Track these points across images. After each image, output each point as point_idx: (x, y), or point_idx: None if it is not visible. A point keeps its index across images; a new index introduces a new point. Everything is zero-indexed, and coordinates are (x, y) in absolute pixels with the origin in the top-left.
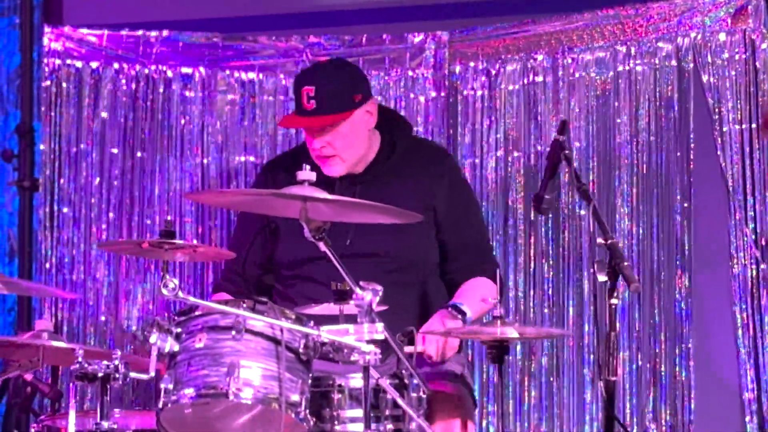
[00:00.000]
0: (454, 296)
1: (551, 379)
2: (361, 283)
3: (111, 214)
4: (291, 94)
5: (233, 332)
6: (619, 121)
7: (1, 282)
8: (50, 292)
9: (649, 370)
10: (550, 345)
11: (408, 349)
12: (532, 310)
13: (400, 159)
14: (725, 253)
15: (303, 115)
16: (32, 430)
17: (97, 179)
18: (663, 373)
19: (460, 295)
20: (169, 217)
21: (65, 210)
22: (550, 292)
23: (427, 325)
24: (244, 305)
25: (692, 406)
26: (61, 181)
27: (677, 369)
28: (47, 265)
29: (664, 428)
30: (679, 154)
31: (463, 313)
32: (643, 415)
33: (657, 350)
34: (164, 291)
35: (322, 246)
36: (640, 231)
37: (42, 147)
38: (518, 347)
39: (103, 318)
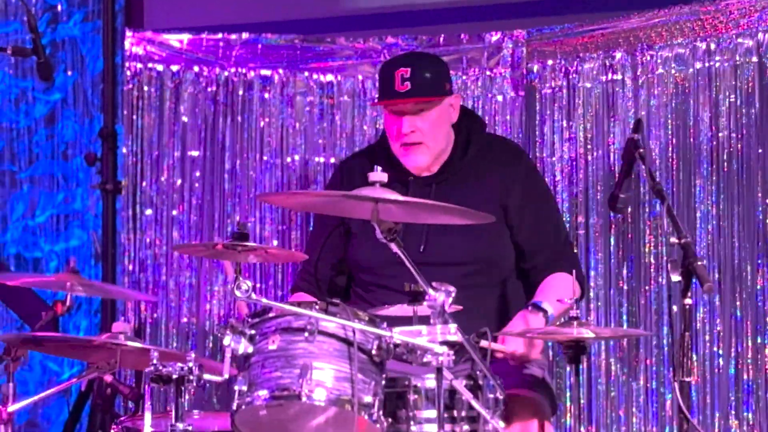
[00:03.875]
0: (534, 295)
1: (630, 380)
2: (433, 284)
3: (193, 216)
4: (376, 82)
5: (306, 334)
6: (698, 118)
7: (80, 285)
8: (129, 296)
9: (732, 370)
10: (627, 345)
11: (483, 344)
12: (609, 309)
13: (475, 158)
14: None
15: (395, 97)
16: (112, 431)
17: (179, 181)
18: (745, 373)
19: (540, 293)
20: (239, 219)
21: (147, 212)
22: (628, 291)
23: (508, 327)
24: (317, 307)
25: None
26: (143, 183)
27: (760, 368)
28: (130, 267)
29: (746, 428)
30: (760, 150)
31: (545, 311)
32: (726, 416)
33: (740, 350)
34: (237, 293)
35: (394, 247)
36: (722, 229)
37: (124, 150)
38: (597, 347)
39: (184, 319)
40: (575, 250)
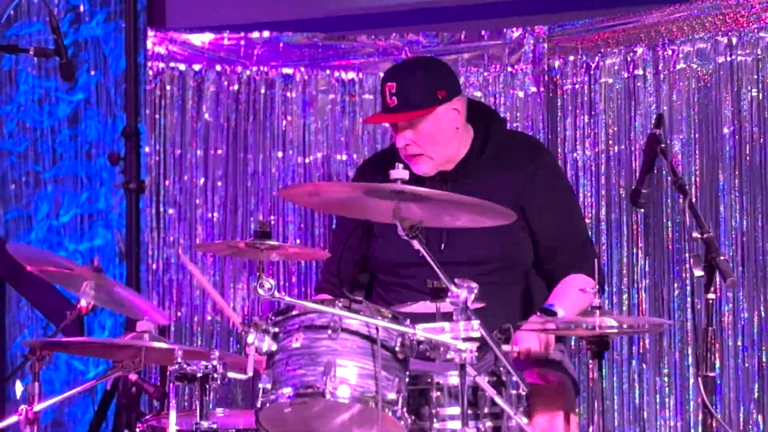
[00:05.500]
0: (549, 297)
1: (654, 375)
2: (456, 280)
3: (215, 215)
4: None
5: (329, 331)
6: (720, 112)
7: (94, 290)
8: (140, 314)
9: (756, 364)
10: (651, 341)
11: (505, 348)
12: (632, 304)
13: (494, 155)
14: None
15: (386, 112)
16: (137, 429)
17: (202, 180)
18: None
19: (554, 295)
20: (261, 218)
21: (171, 211)
22: (651, 287)
23: (517, 334)
24: (340, 304)
25: None
26: (166, 182)
27: None
28: (154, 266)
29: None
30: None
31: (554, 314)
32: (749, 410)
33: (763, 343)
34: (260, 291)
35: (416, 244)
36: (745, 223)
37: (147, 149)
38: (620, 342)
39: (209, 317)
40: (595, 249)
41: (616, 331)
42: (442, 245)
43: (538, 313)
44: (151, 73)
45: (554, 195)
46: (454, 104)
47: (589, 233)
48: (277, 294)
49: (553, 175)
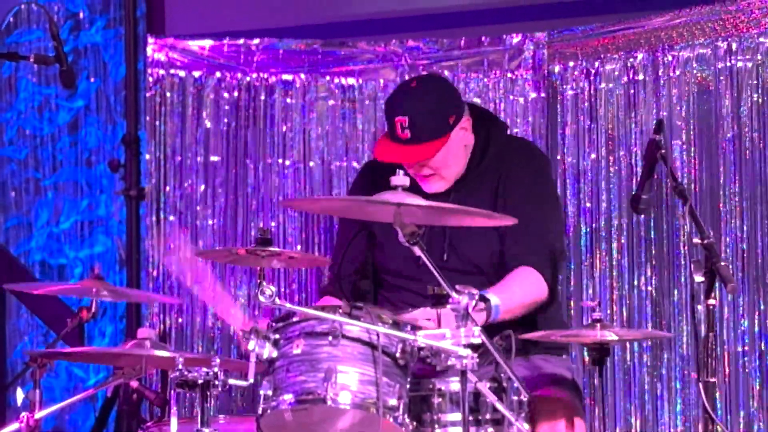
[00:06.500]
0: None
1: (654, 380)
2: (457, 286)
3: (216, 221)
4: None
5: (330, 338)
6: (721, 118)
7: (106, 290)
8: (153, 298)
9: (756, 369)
10: (651, 346)
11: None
12: (632, 310)
13: (493, 161)
14: None
15: (398, 143)
16: None
17: (202, 187)
18: None
19: (499, 283)
20: (262, 224)
21: (171, 218)
22: (651, 292)
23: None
24: (341, 311)
25: None
26: (167, 189)
27: None
28: (154, 273)
29: None
30: None
31: (487, 301)
32: (750, 414)
33: (764, 348)
34: (261, 298)
35: (417, 250)
36: (745, 229)
37: (147, 156)
38: (621, 348)
39: (210, 324)
40: (557, 254)
41: (616, 338)
42: (445, 255)
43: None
44: (151, 79)
45: (530, 187)
46: (462, 124)
47: (564, 242)
48: (278, 301)
49: (537, 174)
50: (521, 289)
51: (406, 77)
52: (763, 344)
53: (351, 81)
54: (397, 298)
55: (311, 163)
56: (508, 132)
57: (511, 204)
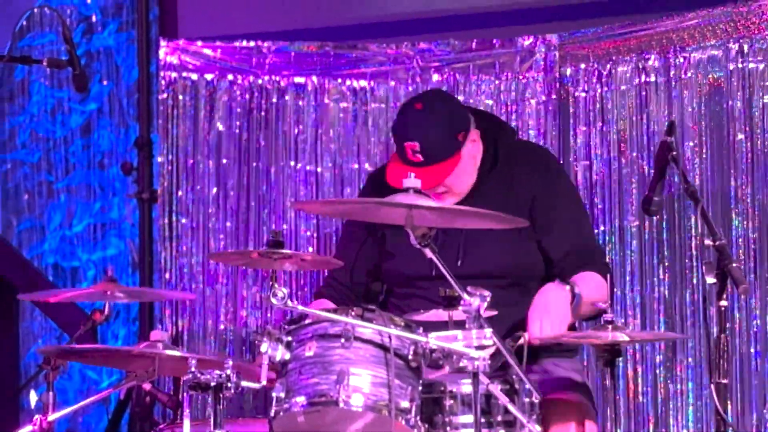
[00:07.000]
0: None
1: (668, 382)
2: (468, 288)
3: (228, 224)
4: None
5: (342, 340)
6: (732, 119)
7: (120, 291)
8: (167, 296)
9: None
10: (665, 348)
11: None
12: (645, 311)
13: (504, 166)
14: None
15: (411, 166)
16: None
17: (214, 189)
18: None
19: (572, 278)
20: (274, 227)
21: (183, 221)
22: (663, 294)
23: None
24: (353, 313)
25: None
26: (179, 192)
27: None
28: (167, 276)
29: None
30: None
31: (572, 286)
32: (762, 417)
33: None
34: (273, 300)
35: (428, 252)
36: (757, 231)
37: (160, 159)
38: (633, 348)
39: (222, 326)
40: (605, 254)
41: (628, 339)
42: (459, 261)
43: (557, 281)
44: (163, 82)
45: (561, 205)
46: (471, 138)
47: (596, 239)
48: (290, 303)
49: (560, 184)
50: (594, 290)
51: (418, 79)
52: None
53: (363, 83)
54: (407, 305)
55: (322, 166)
56: (519, 135)
57: (546, 222)
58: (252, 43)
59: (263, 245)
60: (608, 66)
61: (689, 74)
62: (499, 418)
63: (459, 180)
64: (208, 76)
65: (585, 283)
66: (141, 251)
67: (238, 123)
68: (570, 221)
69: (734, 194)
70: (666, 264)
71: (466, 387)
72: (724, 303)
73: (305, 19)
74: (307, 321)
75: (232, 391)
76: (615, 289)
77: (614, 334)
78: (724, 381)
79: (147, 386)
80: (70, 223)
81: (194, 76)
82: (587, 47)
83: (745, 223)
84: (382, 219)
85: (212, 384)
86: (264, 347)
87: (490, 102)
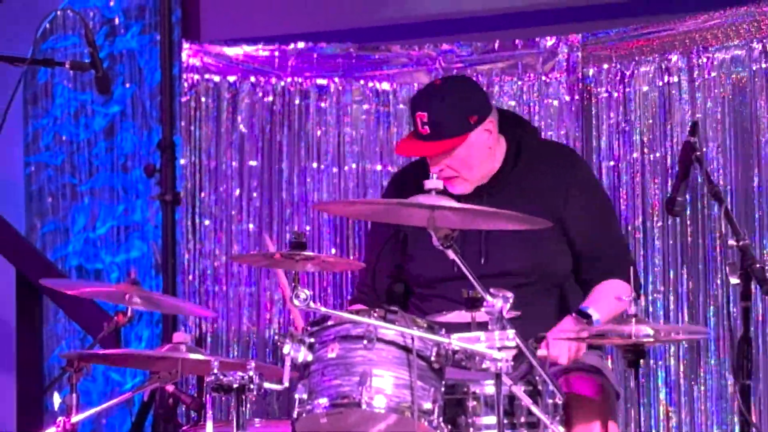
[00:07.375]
0: (585, 300)
1: (691, 383)
2: (491, 290)
3: (251, 226)
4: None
5: (365, 341)
6: (756, 119)
7: (139, 297)
8: (187, 311)
9: None
10: (689, 348)
11: (539, 353)
12: (669, 312)
13: (527, 166)
14: None
15: (419, 139)
16: None
17: (237, 191)
18: None
19: (590, 298)
20: (297, 228)
21: (206, 222)
22: (687, 294)
23: (551, 333)
24: (375, 314)
25: None
26: (202, 194)
27: None
28: (190, 278)
29: None
30: None
31: (588, 317)
32: None
33: None
34: (296, 302)
35: (450, 254)
36: None
37: (182, 161)
38: (656, 350)
39: (245, 328)
40: (632, 256)
41: (652, 340)
42: (482, 260)
43: (574, 315)
44: (186, 85)
45: (590, 205)
46: (486, 126)
47: (626, 240)
48: (312, 304)
49: (588, 184)
50: (614, 302)
51: None
52: None
53: (385, 85)
54: (428, 307)
55: (345, 168)
56: (542, 136)
57: (575, 222)
58: (275, 45)
59: (286, 246)
60: (631, 66)
61: (712, 74)
62: (522, 420)
63: (468, 166)
64: (231, 78)
65: (606, 297)
66: (164, 253)
67: (260, 125)
68: (598, 219)
69: (758, 194)
70: (689, 264)
71: (489, 388)
72: (748, 303)
73: (328, 21)
74: (329, 322)
75: (255, 392)
76: (642, 287)
77: (638, 327)
78: (748, 382)
79: (170, 388)
80: (94, 226)
81: (217, 78)
82: (610, 48)
83: None
84: (404, 220)
85: (235, 386)
86: (287, 349)
87: (513, 103)
